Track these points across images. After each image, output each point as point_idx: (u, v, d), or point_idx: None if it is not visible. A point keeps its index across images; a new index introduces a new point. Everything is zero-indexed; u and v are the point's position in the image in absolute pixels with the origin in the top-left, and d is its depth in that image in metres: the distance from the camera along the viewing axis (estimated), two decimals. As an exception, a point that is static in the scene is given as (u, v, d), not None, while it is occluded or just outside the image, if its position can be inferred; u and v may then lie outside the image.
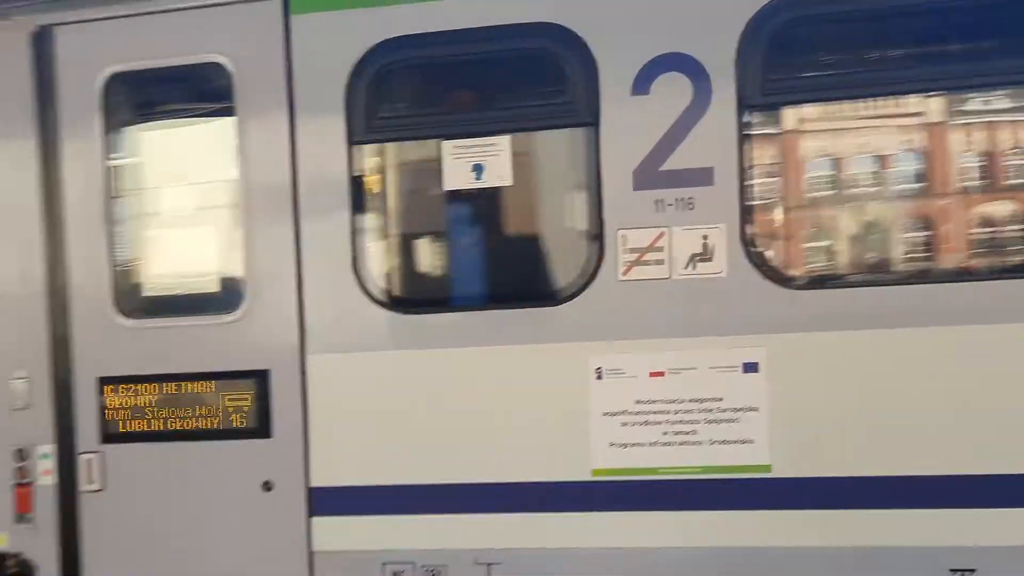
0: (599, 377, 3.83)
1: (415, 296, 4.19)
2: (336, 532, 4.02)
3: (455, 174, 3.94)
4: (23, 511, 4.29)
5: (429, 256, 4.27)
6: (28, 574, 4.31)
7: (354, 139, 3.97)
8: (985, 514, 3.60)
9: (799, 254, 4.07)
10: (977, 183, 3.95)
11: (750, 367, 3.75)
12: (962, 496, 3.60)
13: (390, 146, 4.11)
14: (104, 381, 4.21)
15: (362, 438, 3.99)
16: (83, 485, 4.23)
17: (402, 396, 3.96)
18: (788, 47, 3.74)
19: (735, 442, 3.76)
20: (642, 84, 3.78)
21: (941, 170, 3.98)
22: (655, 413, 3.80)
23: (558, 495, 3.86)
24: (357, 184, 3.99)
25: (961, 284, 3.73)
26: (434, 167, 3.97)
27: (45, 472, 4.27)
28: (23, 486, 4.28)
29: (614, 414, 3.82)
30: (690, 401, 3.79)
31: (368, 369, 3.98)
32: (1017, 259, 3.94)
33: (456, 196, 4.05)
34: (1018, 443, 3.57)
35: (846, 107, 3.95)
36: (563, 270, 3.97)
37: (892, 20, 3.73)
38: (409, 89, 4.09)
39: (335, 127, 3.96)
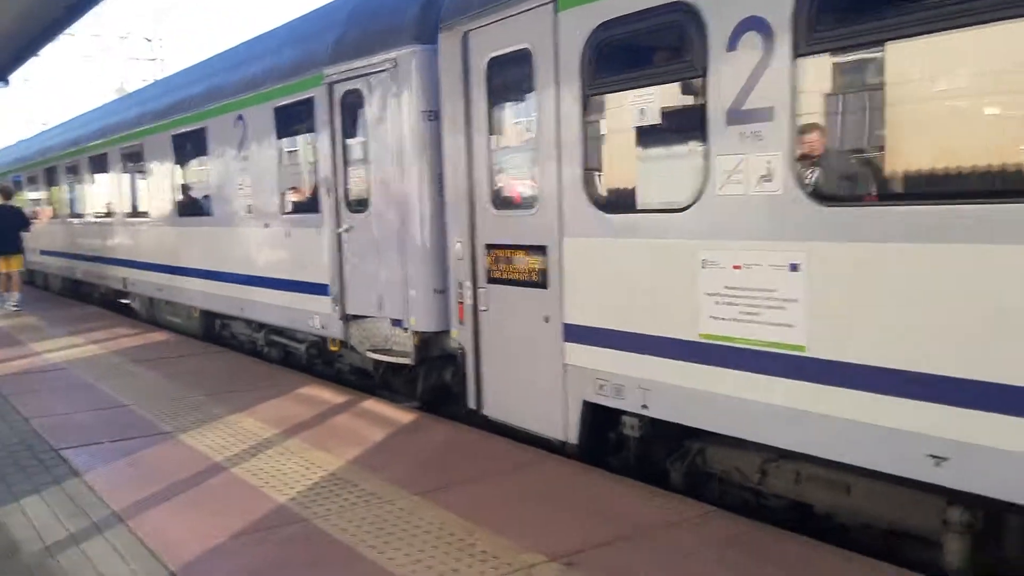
0: (703, 266, 5.20)
1: (615, 203, 5.95)
2: (575, 353, 6.23)
3: (632, 116, 5.61)
4: (460, 318, 7.52)
5: (622, 177, 5.96)
6: (463, 353, 7.56)
7: (586, 93, 5.91)
8: (963, 413, 4.02)
9: (833, 177, 4.58)
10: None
11: (794, 267, 4.70)
12: (947, 394, 4.08)
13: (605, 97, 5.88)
14: (488, 247, 7.08)
15: (587, 294, 6.08)
16: (480, 306, 7.24)
17: (607, 269, 5.90)
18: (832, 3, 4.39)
19: (782, 325, 4.78)
20: (733, 42, 4.88)
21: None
22: (735, 296, 5.03)
23: (681, 348, 5.40)
24: (586, 127, 5.94)
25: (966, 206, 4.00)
26: (628, 113, 5.68)
27: (468, 298, 7.39)
28: (460, 304, 7.49)
29: (711, 294, 5.16)
30: (756, 290, 4.92)
31: (591, 249, 6.01)
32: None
33: (634, 134, 5.68)
34: (1001, 353, 3.87)
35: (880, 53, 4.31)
36: (686, 186, 5.34)
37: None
38: (611, 56, 5.78)
39: (575, 86, 5.96)
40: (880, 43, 4.29)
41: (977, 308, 3.94)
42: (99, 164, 17.37)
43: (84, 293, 20.65)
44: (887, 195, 4.34)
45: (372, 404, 8.32)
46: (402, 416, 7.80)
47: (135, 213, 15.74)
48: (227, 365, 10.84)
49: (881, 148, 4.55)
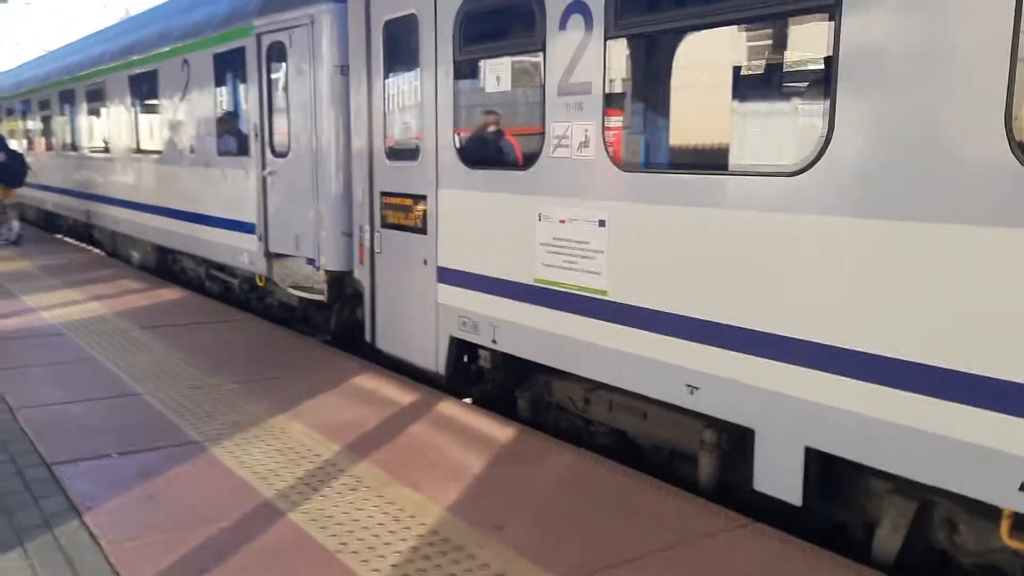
0: (539, 219, 5.91)
1: (476, 159, 6.64)
2: (445, 293, 6.97)
3: (490, 82, 6.28)
4: (361, 259, 8.24)
5: (482, 136, 6.64)
6: (361, 290, 8.30)
7: (457, 58, 6.55)
8: (708, 350, 4.78)
9: (632, 147, 5.29)
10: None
11: (602, 223, 5.42)
12: (697, 333, 4.83)
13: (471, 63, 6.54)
14: (382, 194, 7.77)
15: (456, 240, 6.79)
16: (376, 249, 7.95)
17: (471, 218, 6.61)
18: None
19: (592, 272, 5.52)
20: (564, 22, 5.53)
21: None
22: (561, 246, 5.76)
23: (521, 290, 6.13)
24: (456, 89, 6.60)
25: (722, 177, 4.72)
26: (487, 79, 6.35)
27: (367, 240, 8.10)
28: (361, 246, 8.21)
29: (544, 244, 5.89)
30: (575, 241, 5.64)
31: (459, 200, 6.71)
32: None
33: (488, 98, 6.35)
34: (728, 298, 4.62)
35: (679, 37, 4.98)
36: (530, 148, 6.02)
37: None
38: (477, 26, 6.41)
39: (449, 51, 6.60)
40: (665, 33, 4.97)
41: (714, 261, 4.68)
42: (67, 100, 17.88)
43: (58, 225, 21.28)
44: (662, 165, 5.06)
45: (449, 408, 6.64)
46: (496, 430, 6.10)
47: (97, 149, 16.32)
48: (253, 337, 9.16)
49: (662, 124, 5.25)
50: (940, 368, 3.71)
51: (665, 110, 5.27)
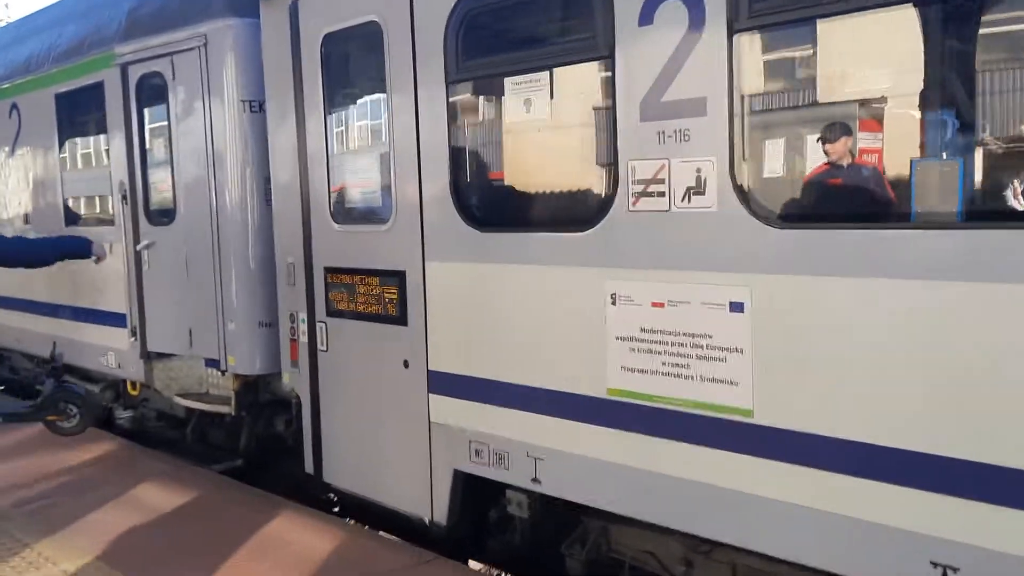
0: (613, 303, 4.02)
1: (494, 219, 4.70)
2: (443, 408, 4.92)
3: (515, 108, 4.39)
4: (294, 359, 6.03)
5: (504, 186, 4.75)
6: (298, 402, 6.08)
7: (453, 78, 4.61)
8: (974, 507, 3.02)
9: (788, 191, 3.58)
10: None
11: (736, 306, 3.60)
12: (953, 484, 3.07)
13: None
14: (328, 270, 5.63)
15: (460, 334, 4.78)
16: (319, 345, 5.77)
17: (485, 303, 4.62)
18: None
19: (721, 381, 3.67)
20: (647, 14, 3.72)
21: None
22: (656, 343, 3.88)
23: (582, 407, 4.19)
24: (454, 121, 4.65)
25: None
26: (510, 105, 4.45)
27: (304, 334, 5.91)
28: (294, 341, 6.01)
29: (624, 339, 3.99)
30: (684, 335, 3.78)
31: (464, 277, 4.71)
32: None
33: (519, 131, 4.47)
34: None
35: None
36: (590, 199, 4.15)
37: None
38: (486, 30, 4.53)
39: (438, 68, 4.65)
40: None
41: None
42: None
43: None
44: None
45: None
46: None
47: None
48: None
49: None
50: None
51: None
